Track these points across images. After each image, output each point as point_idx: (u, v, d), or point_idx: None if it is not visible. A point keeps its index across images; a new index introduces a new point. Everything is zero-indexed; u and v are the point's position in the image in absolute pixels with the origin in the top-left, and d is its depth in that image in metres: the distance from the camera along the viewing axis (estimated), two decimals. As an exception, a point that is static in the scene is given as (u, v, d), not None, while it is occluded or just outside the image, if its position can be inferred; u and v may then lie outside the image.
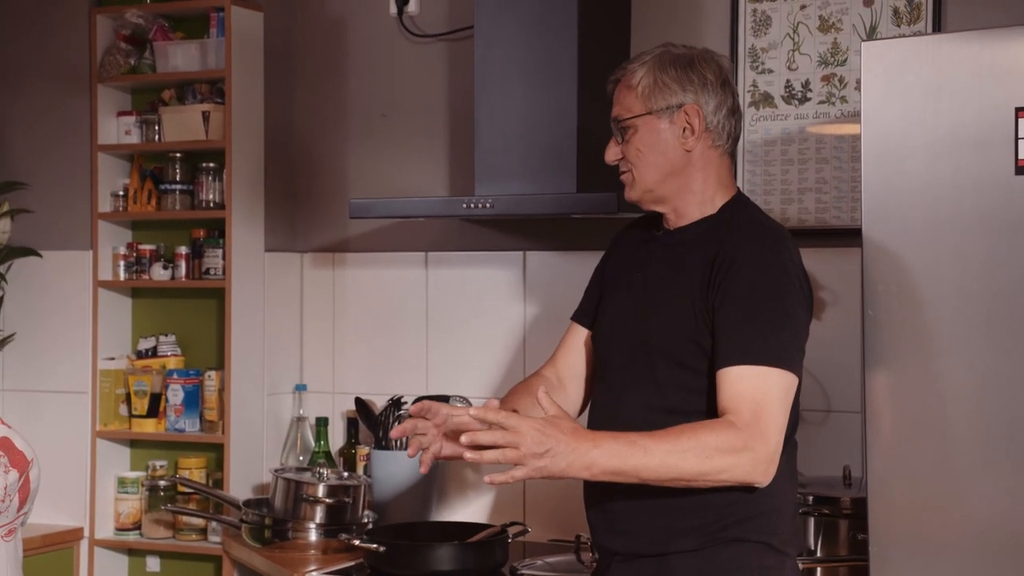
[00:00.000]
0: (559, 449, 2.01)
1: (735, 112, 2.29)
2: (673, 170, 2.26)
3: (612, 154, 2.31)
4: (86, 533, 3.75)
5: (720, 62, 2.29)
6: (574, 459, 2.02)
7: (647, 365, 2.24)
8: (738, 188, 2.34)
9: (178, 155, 3.70)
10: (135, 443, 3.83)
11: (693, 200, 2.28)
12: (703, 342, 2.18)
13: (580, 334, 2.44)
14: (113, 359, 3.78)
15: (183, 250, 3.70)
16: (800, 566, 2.37)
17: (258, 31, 3.65)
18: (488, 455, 2.01)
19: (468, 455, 2.02)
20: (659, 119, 2.25)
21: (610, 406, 2.28)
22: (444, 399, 3.40)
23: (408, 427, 2.24)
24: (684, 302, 2.21)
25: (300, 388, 3.70)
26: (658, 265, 2.30)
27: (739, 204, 2.30)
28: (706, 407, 2.19)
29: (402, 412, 3.40)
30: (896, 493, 2.36)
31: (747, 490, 2.15)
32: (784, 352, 2.14)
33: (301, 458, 3.62)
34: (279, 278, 3.71)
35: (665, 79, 2.24)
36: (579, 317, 2.46)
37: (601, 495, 2.28)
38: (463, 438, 2.01)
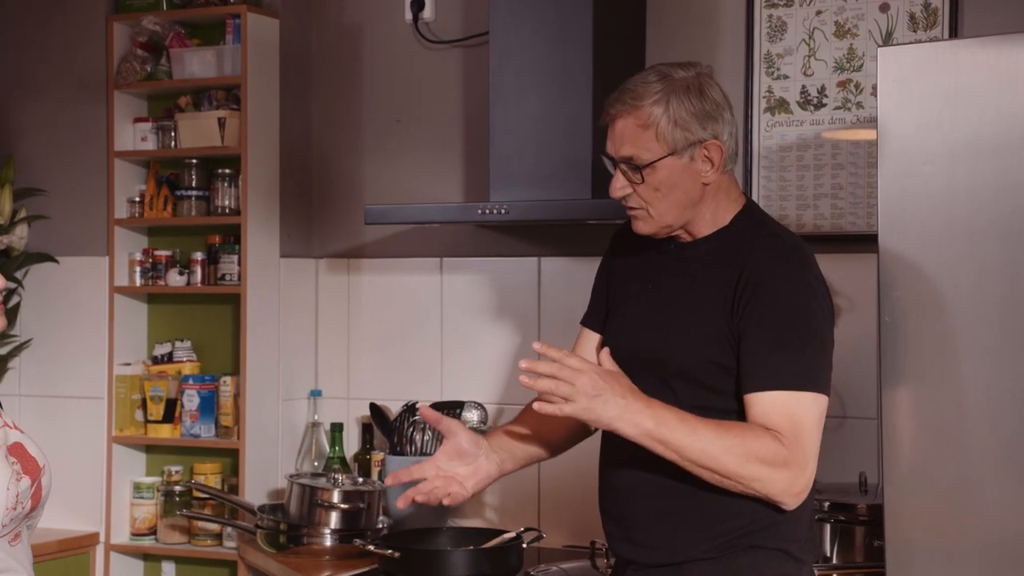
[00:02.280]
0: (612, 397, 2.05)
1: (737, 130, 2.25)
2: (691, 203, 2.22)
3: (620, 190, 2.24)
4: (102, 538, 3.76)
5: (713, 77, 2.24)
6: (624, 412, 2.05)
7: (662, 385, 2.20)
8: (747, 196, 2.31)
9: (194, 161, 3.71)
10: (151, 448, 3.84)
11: (705, 223, 2.25)
12: (728, 364, 2.16)
13: (592, 339, 2.42)
14: (129, 364, 3.79)
15: (199, 256, 3.71)
16: (816, 573, 2.37)
17: (274, 38, 3.66)
18: (542, 383, 2.04)
19: (523, 379, 2.04)
20: (680, 158, 2.19)
21: None
22: (459, 404, 3.41)
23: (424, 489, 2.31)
24: (705, 323, 2.19)
25: (315, 394, 3.70)
26: (670, 280, 2.27)
27: (751, 214, 2.27)
28: None
29: (416, 418, 3.40)
30: (913, 500, 2.35)
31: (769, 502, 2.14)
32: (814, 374, 2.13)
33: (316, 464, 3.62)
34: (294, 284, 3.72)
35: (684, 116, 2.17)
36: (589, 322, 2.44)
37: (617, 503, 2.27)
38: (521, 363, 2.05)
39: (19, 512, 2.11)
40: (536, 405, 2.07)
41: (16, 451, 2.14)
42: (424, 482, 2.30)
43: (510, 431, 2.41)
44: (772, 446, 2.07)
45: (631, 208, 2.25)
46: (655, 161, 2.19)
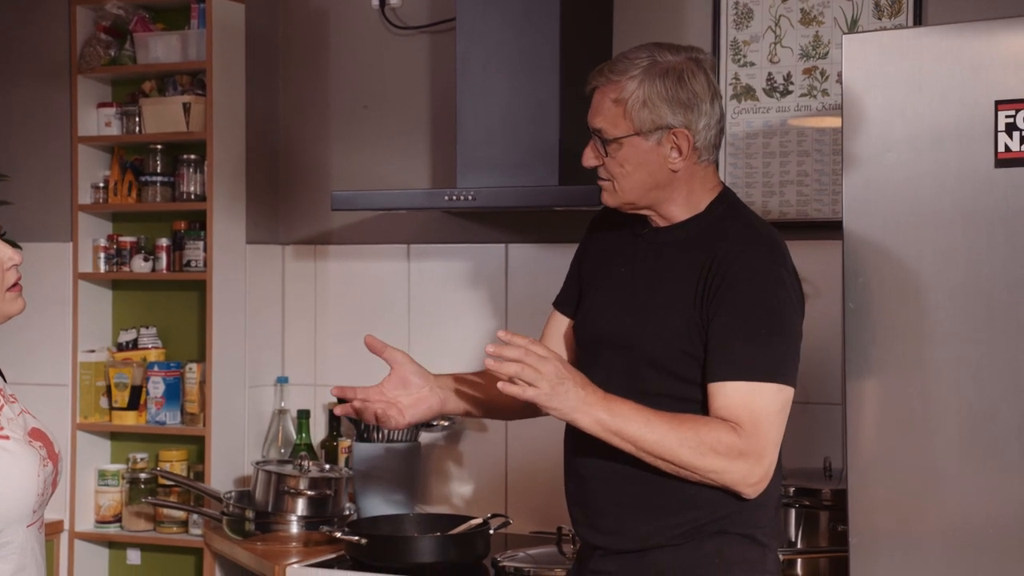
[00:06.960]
0: (572, 387, 2.07)
1: (721, 120, 2.24)
2: (657, 186, 2.22)
3: (591, 160, 2.26)
4: (66, 526, 3.74)
5: (706, 67, 2.22)
6: (581, 403, 2.08)
7: (631, 371, 2.21)
8: (723, 184, 2.31)
9: (159, 147, 3.68)
10: (116, 436, 3.82)
11: (677, 208, 2.25)
12: (696, 353, 2.16)
13: (562, 322, 2.42)
14: (93, 351, 3.76)
15: (164, 242, 3.69)
16: (781, 558, 2.38)
17: (240, 22, 3.64)
18: (507, 367, 2.06)
19: (489, 363, 2.07)
20: (646, 139, 2.19)
21: None
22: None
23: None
24: (677, 311, 2.19)
25: (282, 380, 3.69)
26: (645, 264, 2.27)
27: (726, 202, 2.27)
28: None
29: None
30: (876, 485, 2.37)
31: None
32: (779, 365, 2.13)
33: (283, 451, 3.62)
34: (261, 270, 3.71)
35: (655, 98, 2.17)
36: (560, 305, 2.44)
37: (582, 490, 2.28)
38: (488, 348, 2.07)
39: (46, 498, 2.11)
40: (500, 385, 2.08)
41: (37, 436, 2.14)
42: (363, 399, 2.33)
43: (461, 377, 2.43)
44: (727, 438, 2.09)
45: (600, 179, 2.27)
46: (620, 138, 2.20)
